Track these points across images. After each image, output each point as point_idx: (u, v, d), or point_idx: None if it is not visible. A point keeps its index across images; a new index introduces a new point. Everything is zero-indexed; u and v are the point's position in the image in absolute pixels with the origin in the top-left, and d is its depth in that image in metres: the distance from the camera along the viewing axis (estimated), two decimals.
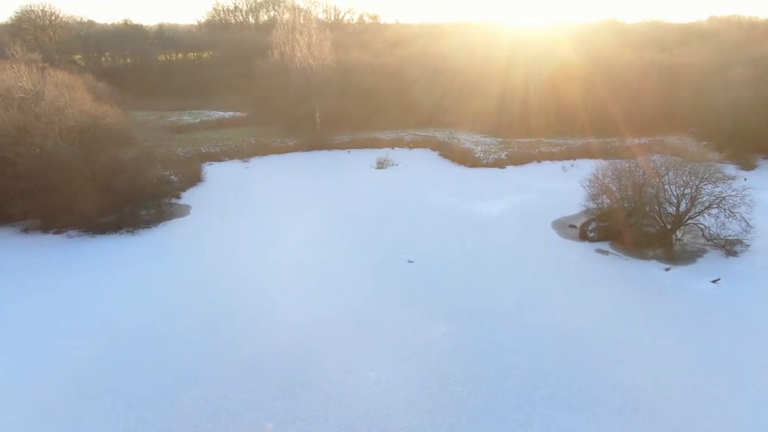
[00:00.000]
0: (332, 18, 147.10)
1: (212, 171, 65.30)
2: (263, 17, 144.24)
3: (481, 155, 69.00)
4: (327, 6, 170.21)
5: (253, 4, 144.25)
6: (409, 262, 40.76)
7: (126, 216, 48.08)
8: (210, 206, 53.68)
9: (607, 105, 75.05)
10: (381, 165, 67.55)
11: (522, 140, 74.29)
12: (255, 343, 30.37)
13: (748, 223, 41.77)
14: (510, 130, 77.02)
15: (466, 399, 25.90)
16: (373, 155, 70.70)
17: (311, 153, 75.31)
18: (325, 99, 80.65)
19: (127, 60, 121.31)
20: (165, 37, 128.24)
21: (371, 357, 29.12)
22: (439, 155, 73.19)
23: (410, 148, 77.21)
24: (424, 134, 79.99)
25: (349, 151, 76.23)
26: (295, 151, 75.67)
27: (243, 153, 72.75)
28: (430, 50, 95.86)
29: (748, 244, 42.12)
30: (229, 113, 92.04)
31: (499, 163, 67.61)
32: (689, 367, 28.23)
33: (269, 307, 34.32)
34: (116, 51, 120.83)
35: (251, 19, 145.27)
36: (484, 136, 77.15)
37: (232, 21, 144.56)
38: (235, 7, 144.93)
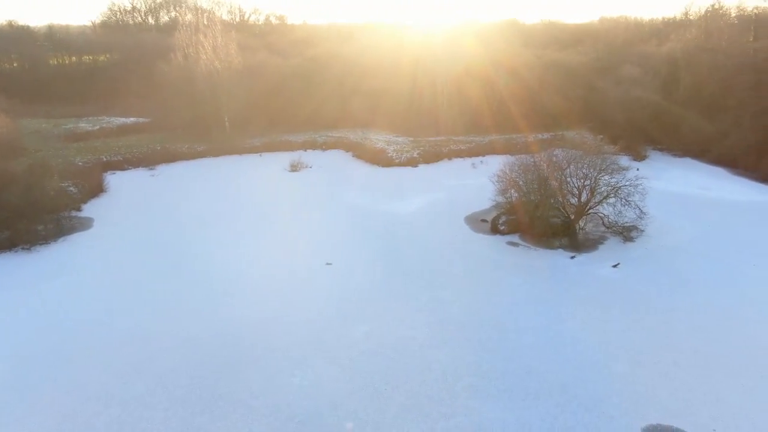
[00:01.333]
0: (237, 19, 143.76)
1: (115, 181, 62.11)
2: (164, 18, 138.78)
3: (394, 155, 69.96)
4: (231, 6, 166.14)
5: (153, 4, 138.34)
6: (328, 264, 40.65)
7: (20, 232, 44.66)
8: (114, 218, 51.03)
9: (510, 103, 78.38)
10: (294, 168, 66.93)
11: (432, 139, 76.08)
12: (170, 358, 29.19)
13: (641, 210, 45.01)
14: (421, 129, 78.73)
15: (390, 396, 26.19)
16: (286, 158, 69.91)
17: (222, 158, 73.38)
18: (233, 102, 78.80)
19: (14, 64, 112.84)
20: (55, 39, 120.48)
21: (293, 362, 28.80)
22: (353, 156, 73.57)
23: (323, 149, 77.14)
24: (337, 135, 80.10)
25: (261, 155, 74.95)
26: (205, 156, 73.45)
27: (148, 161, 69.68)
28: (339, 51, 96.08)
29: (642, 229, 45.44)
30: (132, 119, 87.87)
31: (412, 162, 68.84)
32: (595, 348, 30.01)
33: (183, 318, 33.10)
34: (1, 54, 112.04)
35: (151, 20, 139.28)
36: (396, 136, 78.28)
37: (131, 22, 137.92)
38: (133, 8, 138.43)
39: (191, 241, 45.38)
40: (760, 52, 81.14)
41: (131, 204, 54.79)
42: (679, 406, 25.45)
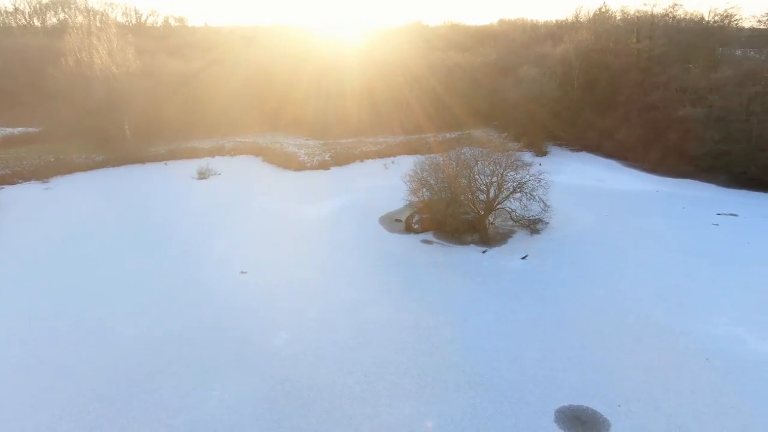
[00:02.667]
0: (133, 21, 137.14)
1: (2, 196, 57.49)
2: (51, 20, 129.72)
3: (306, 158, 69.48)
4: (126, 8, 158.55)
5: (38, 5, 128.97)
6: (242, 273, 39.73)
7: None
8: (3, 237, 47.22)
9: (418, 104, 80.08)
10: (202, 175, 64.85)
11: (344, 141, 76.27)
12: (77, 381, 27.40)
13: (545, 204, 47.45)
14: (332, 131, 78.64)
15: (313, 401, 26.00)
16: (192, 165, 67.63)
17: (123, 168, 69.76)
18: (133, 109, 75.05)
19: None
20: None
21: (212, 376, 27.92)
22: (263, 161, 72.36)
23: (232, 155, 75.29)
24: (246, 140, 78.41)
25: (166, 163, 72.00)
26: (104, 167, 69.50)
27: (41, 173, 64.97)
28: (244, 53, 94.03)
29: (547, 221, 47.91)
30: (19, 129, 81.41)
31: (324, 165, 68.70)
32: (510, 338, 31.27)
33: (89, 336, 31.18)
34: None
35: (37, 23, 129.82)
36: (307, 139, 77.80)
37: (13, 24, 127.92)
38: (15, 9, 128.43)
39: (94, 255, 42.81)
40: (643, 52, 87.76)
41: (23, 221, 50.87)
42: (587, 387, 27.02)
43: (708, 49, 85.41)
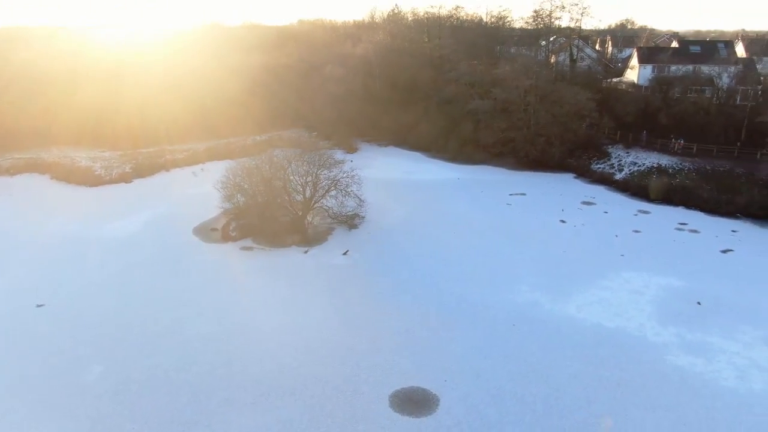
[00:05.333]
0: None
1: None
2: None
3: (103, 172, 63.36)
4: None
5: None
6: (39, 306, 34.94)
7: None
8: None
9: (225, 107, 77.11)
10: None
11: (145, 150, 70.70)
12: None
13: (360, 199, 48.91)
14: (129, 141, 72.13)
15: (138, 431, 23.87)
16: None
17: None
18: None
19: None
20: None
21: (13, 425, 24.14)
22: (51, 178, 64.19)
23: (11, 174, 65.44)
24: (29, 156, 68.64)
25: None
26: None
27: None
28: (10, 56, 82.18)
29: (363, 216, 49.45)
30: None
31: (125, 178, 63.29)
32: (340, 333, 31.74)
33: None
34: None
35: None
36: (102, 151, 70.67)
37: None
38: None
39: None
40: (434, 51, 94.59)
41: None
42: (415, 368, 28.49)
43: (488, 47, 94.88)
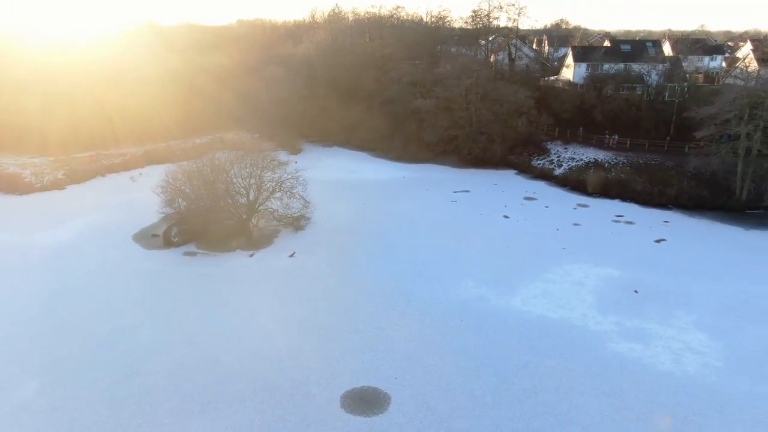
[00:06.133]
0: None
1: None
2: None
3: (33, 178, 60.36)
4: None
5: None
6: None
7: None
8: None
9: (163, 109, 74.85)
10: None
11: (79, 156, 67.68)
12: None
13: (306, 200, 48.43)
14: (61, 146, 68.90)
15: None
16: None
17: None
18: None
19: None
20: None
21: None
22: None
23: None
24: None
25: None
26: None
27: None
28: None
29: (309, 217, 49.00)
30: None
31: (58, 185, 60.51)
32: (290, 336, 31.31)
33: None
34: None
35: None
36: (31, 157, 67.14)
37: None
38: None
39: None
40: (376, 51, 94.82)
41: None
42: (366, 368, 28.42)
43: (429, 47, 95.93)
